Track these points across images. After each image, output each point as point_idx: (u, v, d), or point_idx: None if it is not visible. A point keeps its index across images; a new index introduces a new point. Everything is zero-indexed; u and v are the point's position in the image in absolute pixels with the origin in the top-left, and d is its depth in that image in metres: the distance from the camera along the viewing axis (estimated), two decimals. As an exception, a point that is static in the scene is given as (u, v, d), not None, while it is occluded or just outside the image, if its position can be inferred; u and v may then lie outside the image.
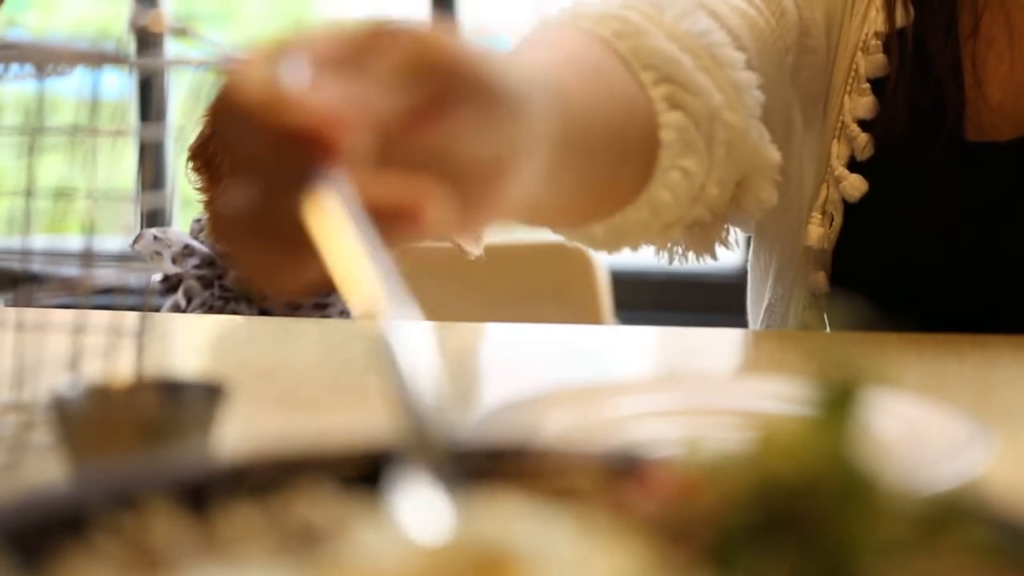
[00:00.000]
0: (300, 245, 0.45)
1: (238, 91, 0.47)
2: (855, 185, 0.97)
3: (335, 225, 0.44)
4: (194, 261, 1.62)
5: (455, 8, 3.07)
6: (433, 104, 0.50)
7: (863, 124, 0.98)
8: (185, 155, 1.60)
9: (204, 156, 1.59)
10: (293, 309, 1.59)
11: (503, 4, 3.37)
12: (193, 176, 1.63)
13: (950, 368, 0.84)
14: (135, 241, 1.56)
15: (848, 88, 0.98)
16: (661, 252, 0.95)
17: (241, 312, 1.61)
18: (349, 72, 0.49)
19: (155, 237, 1.60)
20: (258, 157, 0.48)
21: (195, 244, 1.64)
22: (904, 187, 0.98)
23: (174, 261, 1.60)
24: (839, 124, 0.98)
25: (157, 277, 1.61)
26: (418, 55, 0.50)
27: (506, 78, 0.54)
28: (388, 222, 0.46)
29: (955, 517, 0.29)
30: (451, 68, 0.51)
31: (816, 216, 0.99)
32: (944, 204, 0.96)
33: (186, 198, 1.98)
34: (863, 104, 0.98)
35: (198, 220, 1.70)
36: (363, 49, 0.50)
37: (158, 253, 1.61)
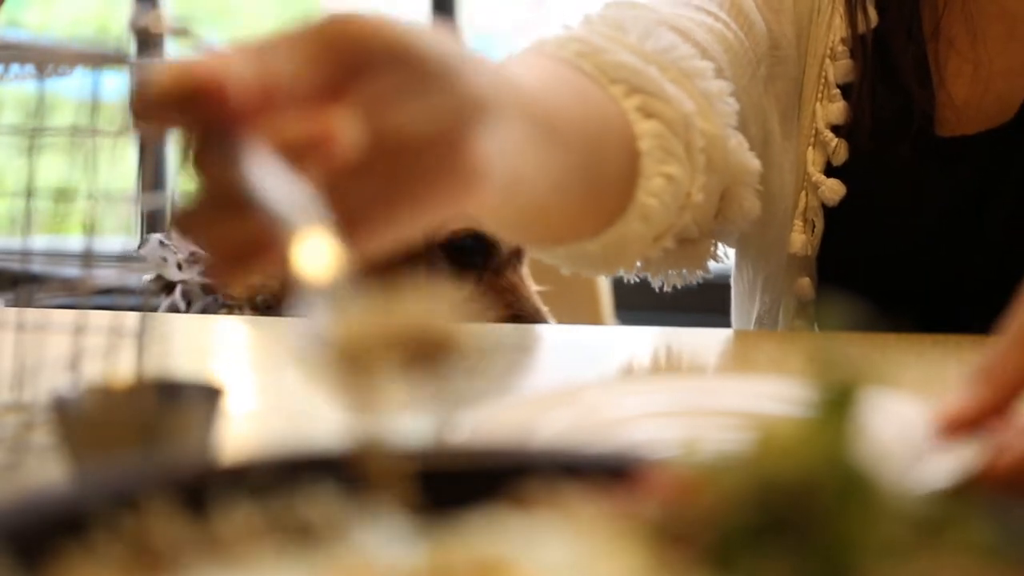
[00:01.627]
0: (241, 208, 0.47)
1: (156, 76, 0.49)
2: (833, 189, 0.98)
3: (259, 181, 0.46)
4: (200, 268, 1.61)
5: (455, 8, 3.06)
6: (346, 74, 0.51)
7: (836, 129, 0.98)
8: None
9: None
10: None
11: (503, 4, 3.37)
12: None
13: (950, 368, 0.84)
14: (141, 245, 1.55)
15: (819, 95, 0.99)
16: (655, 277, 0.95)
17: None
18: (256, 53, 0.50)
19: (161, 243, 1.60)
20: (188, 133, 0.50)
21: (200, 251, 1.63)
22: (882, 188, 0.98)
23: (179, 267, 1.60)
24: (813, 131, 0.99)
25: (148, 276, 1.61)
26: (324, 32, 0.51)
27: (434, 45, 0.53)
28: (306, 155, 0.48)
29: (955, 517, 0.29)
30: (361, 39, 0.52)
31: (798, 223, 0.99)
32: (923, 201, 0.97)
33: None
34: (834, 110, 0.99)
35: None
36: (277, 37, 0.51)
37: (164, 259, 1.60)
